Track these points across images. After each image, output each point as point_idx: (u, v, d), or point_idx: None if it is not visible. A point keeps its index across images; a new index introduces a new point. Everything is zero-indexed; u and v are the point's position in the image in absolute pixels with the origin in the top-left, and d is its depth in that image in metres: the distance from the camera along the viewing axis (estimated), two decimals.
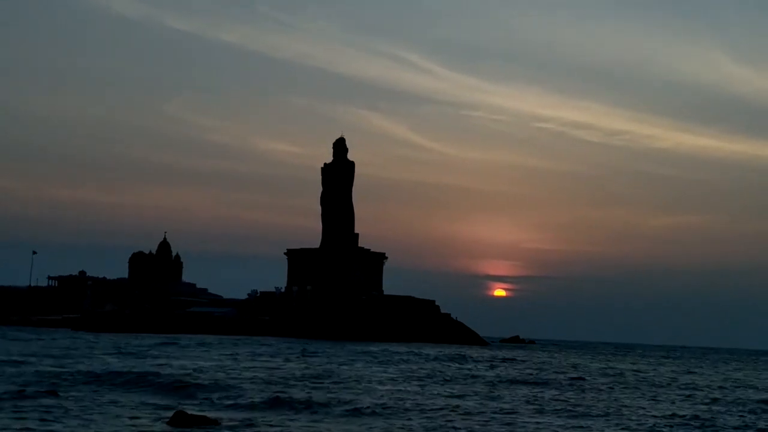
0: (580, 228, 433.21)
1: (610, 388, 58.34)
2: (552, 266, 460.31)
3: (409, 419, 35.34)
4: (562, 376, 68.23)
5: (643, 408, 44.39)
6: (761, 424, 39.76)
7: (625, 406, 44.68)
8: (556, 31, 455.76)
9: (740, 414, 44.15)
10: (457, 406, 40.67)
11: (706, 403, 49.32)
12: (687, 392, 57.92)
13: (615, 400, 48.67)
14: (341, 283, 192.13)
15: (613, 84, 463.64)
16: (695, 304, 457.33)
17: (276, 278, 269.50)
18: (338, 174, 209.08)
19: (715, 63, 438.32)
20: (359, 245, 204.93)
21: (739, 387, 67.61)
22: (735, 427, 38.24)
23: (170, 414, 33.10)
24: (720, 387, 66.15)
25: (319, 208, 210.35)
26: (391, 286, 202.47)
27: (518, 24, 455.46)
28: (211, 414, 34.18)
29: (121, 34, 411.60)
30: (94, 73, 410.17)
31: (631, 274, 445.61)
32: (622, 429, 35.80)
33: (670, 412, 42.37)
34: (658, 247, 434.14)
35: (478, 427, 34.28)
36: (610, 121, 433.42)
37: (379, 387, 50.12)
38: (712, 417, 41.56)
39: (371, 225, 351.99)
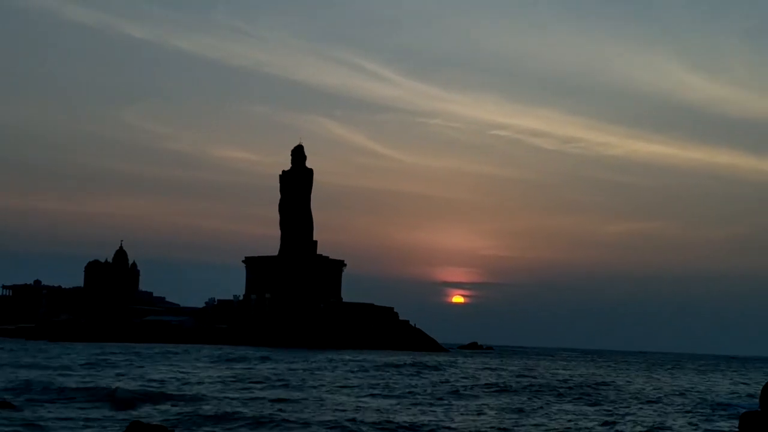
0: (537, 235, 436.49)
1: (561, 394, 58.78)
2: (509, 273, 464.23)
3: None
4: (521, 382, 68.64)
5: (595, 415, 44.83)
6: (716, 429, 40.36)
7: (580, 413, 45.09)
8: (513, 40, 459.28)
9: (690, 418, 44.75)
10: (417, 416, 40.75)
11: (663, 409, 49.90)
12: (641, 397, 58.53)
13: (571, 405, 49.10)
14: (300, 291, 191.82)
15: (568, 92, 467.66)
16: (652, 310, 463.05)
17: (234, 286, 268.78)
18: (297, 181, 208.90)
19: (668, 71, 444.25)
20: (318, 252, 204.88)
21: (693, 392, 68.44)
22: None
23: (126, 424, 32.84)
24: (675, 392, 66.91)
25: (278, 215, 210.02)
26: (349, 293, 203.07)
27: (475, 32, 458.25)
28: (168, 424, 33.96)
29: (77, 41, 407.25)
30: (49, 80, 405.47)
31: (587, 281, 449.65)
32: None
33: (627, 418, 42.86)
34: (614, 253, 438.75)
35: None
36: (565, 128, 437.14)
37: (338, 399, 50.02)
38: (662, 422, 42.09)
39: (330, 232, 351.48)
